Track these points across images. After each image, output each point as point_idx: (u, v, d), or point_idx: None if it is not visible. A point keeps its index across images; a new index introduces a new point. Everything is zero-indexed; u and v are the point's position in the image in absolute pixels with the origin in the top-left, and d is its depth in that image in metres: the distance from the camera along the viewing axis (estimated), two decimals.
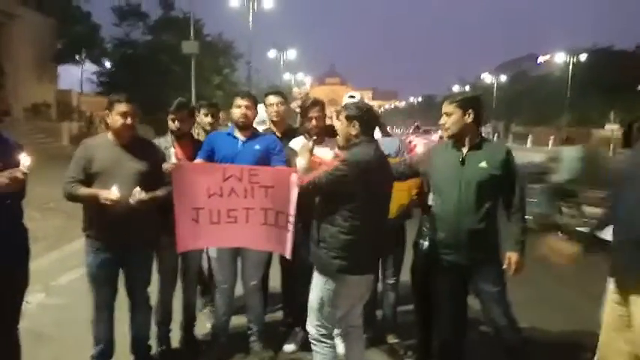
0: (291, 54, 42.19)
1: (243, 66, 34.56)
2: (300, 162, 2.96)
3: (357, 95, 4.22)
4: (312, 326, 2.92)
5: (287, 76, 47.98)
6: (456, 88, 64.96)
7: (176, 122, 3.54)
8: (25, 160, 2.41)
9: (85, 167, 3.00)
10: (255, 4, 25.15)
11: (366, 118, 2.83)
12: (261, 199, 3.22)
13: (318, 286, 2.87)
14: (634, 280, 2.30)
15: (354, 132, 2.82)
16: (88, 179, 2.99)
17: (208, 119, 3.98)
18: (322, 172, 2.74)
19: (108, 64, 30.09)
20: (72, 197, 3.01)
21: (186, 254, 3.48)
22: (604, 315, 2.56)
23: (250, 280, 3.56)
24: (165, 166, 3.16)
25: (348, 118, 2.83)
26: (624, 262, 2.34)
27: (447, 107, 2.95)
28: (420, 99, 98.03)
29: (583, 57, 38.12)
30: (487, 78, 55.59)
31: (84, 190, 2.96)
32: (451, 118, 2.92)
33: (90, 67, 30.02)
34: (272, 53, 41.27)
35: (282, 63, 42.69)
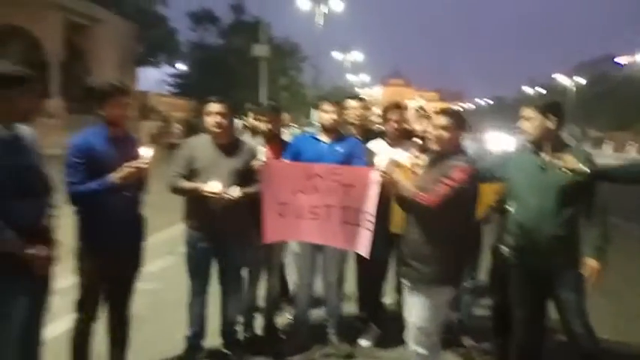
0: (356, 55, 42.31)
1: (309, 68, 35.12)
2: (404, 184, 2.87)
3: (422, 101, 4.31)
4: (419, 345, 2.89)
5: (351, 78, 48.14)
6: (527, 90, 62.67)
7: (264, 125, 3.78)
8: (146, 152, 2.78)
9: (187, 164, 3.31)
10: (324, 6, 25.45)
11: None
12: (342, 197, 3.34)
13: (422, 304, 2.83)
14: None
15: (456, 137, 2.87)
16: (190, 175, 3.29)
17: (264, 125, 3.86)
18: (447, 185, 2.67)
19: (183, 67, 31.58)
20: (176, 189, 3.32)
21: (271, 248, 3.70)
22: None
23: (329, 276, 3.74)
24: (255, 163, 3.40)
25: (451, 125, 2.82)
26: None
27: (527, 111, 2.96)
28: (488, 100, 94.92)
29: None
30: (561, 79, 52.87)
31: (187, 184, 3.26)
32: (531, 122, 2.93)
33: (167, 69, 31.63)
34: (337, 55, 41.58)
35: (346, 64, 42.89)
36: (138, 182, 2.92)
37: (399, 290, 3.85)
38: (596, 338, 2.89)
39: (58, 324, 3.26)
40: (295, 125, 23.21)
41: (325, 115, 3.65)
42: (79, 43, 24.13)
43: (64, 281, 2.96)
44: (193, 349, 3.46)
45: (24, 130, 2.40)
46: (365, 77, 54.07)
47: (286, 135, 5.01)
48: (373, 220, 3.25)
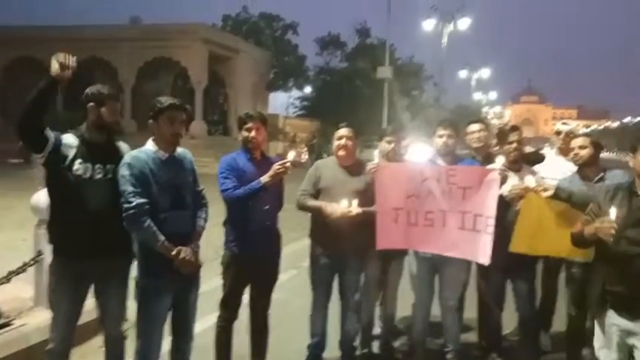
0: (484, 72, 40.77)
1: (432, 87, 34.71)
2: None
3: (571, 122, 4.10)
4: None
5: (478, 96, 46.43)
6: None
7: (392, 144, 3.89)
8: (290, 155, 3.18)
9: (315, 183, 3.58)
10: (449, 25, 25.07)
11: None
12: (459, 200, 3.30)
13: None
14: None
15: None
16: (317, 194, 3.55)
17: (389, 146, 3.88)
18: None
19: (309, 90, 33.20)
20: (303, 207, 3.58)
21: (389, 267, 3.80)
22: None
23: (448, 300, 3.66)
24: (369, 165, 3.51)
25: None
26: None
27: None
28: (638, 119, 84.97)
29: None
30: None
31: (313, 202, 3.52)
32: None
33: (294, 93, 33.51)
34: (463, 73, 40.48)
35: (473, 82, 41.53)
36: (276, 198, 3.31)
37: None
38: None
39: (205, 320, 3.64)
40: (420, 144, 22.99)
41: (440, 140, 3.65)
42: (220, 72, 26.64)
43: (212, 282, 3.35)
44: (314, 358, 3.66)
45: (182, 151, 2.89)
46: (493, 95, 51.79)
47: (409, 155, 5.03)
48: (493, 224, 3.19)
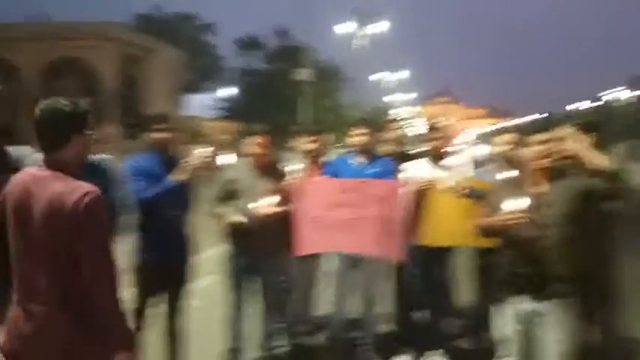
0: (402, 74, 42.33)
1: (352, 88, 35.49)
2: None
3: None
4: None
5: (397, 96, 48.09)
6: (581, 105, 60.49)
7: (309, 145, 3.96)
8: (199, 151, 3.11)
9: (229, 186, 3.52)
10: (368, 28, 25.79)
11: None
12: (376, 207, 3.46)
13: None
14: None
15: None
16: (230, 197, 3.49)
17: (309, 145, 3.98)
18: None
19: (230, 92, 32.72)
20: (215, 215, 3.53)
21: (308, 264, 3.84)
22: None
23: (365, 293, 3.79)
24: (286, 183, 3.52)
25: None
26: None
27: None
28: (538, 116, 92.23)
29: None
30: (616, 94, 50.81)
31: (221, 211, 3.47)
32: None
33: (215, 94, 32.85)
34: (381, 74, 41.77)
35: (391, 83, 42.97)
36: (184, 202, 3.22)
37: None
38: None
39: None
40: (339, 145, 23.42)
41: (356, 138, 3.79)
42: (133, 73, 25.53)
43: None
44: None
45: (101, 158, 2.73)
46: (412, 95, 53.79)
47: (331, 155, 5.13)
48: (405, 229, 3.38)
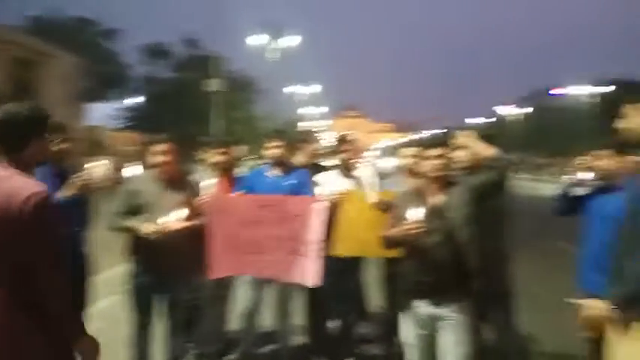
0: (313, 88, 43.04)
1: (265, 100, 35.50)
2: None
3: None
4: None
5: (308, 110, 48.84)
6: (475, 121, 65.35)
7: (218, 157, 3.83)
8: (92, 166, 2.93)
9: (132, 199, 3.31)
10: (279, 41, 25.98)
11: None
12: (290, 227, 3.41)
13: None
14: None
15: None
16: (133, 211, 3.28)
17: (218, 158, 3.89)
18: None
19: (134, 101, 31.29)
20: (118, 228, 3.30)
21: (222, 283, 3.71)
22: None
23: (279, 310, 3.75)
24: (198, 200, 3.37)
25: None
26: None
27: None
28: (440, 131, 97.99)
29: (604, 89, 38.04)
30: (508, 110, 55.68)
31: (127, 223, 3.25)
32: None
33: (117, 104, 31.23)
34: (293, 88, 42.20)
35: (302, 97, 43.56)
36: (81, 218, 3.00)
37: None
38: None
39: None
40: (252, 157, 23.24)
41: (271, 150, 3.76)
42: (26, 79, 23.53)
43: None
44: None
45: None
46: (324, 109, 54.81)
47: (243, 168, 5.09)
48: (321, 248, 3.35)
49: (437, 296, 2.81)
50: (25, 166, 1.94)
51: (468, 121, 67.67)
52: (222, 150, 3.88)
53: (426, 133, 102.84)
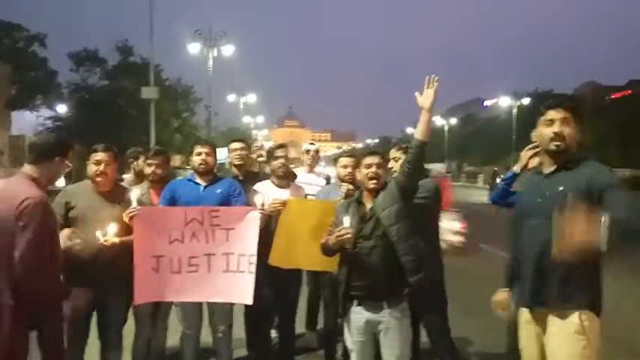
0: (250, 98, 42.87)
1: (203, 109, 34.91)
2: None
3: (316, 143, 4.65)
4: None
5: (247, 119, 48.57)
6: (409, 130, 67.62)
7: (152, 168, 3.74)
8: None
9: (66, 211, 3.21)
10: (215, 50, 25.68)
11: None
12: (223, 242, 3.30)
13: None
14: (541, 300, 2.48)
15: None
16: (68, 224, 3.16)
17: (151, 169, 3.78)
18: None
19: (63, 109, 29.77)
20: None
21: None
22: (520, 339, 2.64)
23: (219, 325, 3.66)
24: (125, 213, 3.21)
25: None
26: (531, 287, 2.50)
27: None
28: (376, 140, 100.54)
29: (526, 100, 40.57)
30: (438, 120, 58.12)
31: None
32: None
33: (45, 112, 29.58)
34: (231, 97, 41.84)
35: (241, 106, 43.25)
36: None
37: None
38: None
39: None
40: (189, 167, 22.76)
41: (197, 157, 3.65)
42: None
43: None
44: None
45: None
46: (260, 119, 54.69)
47: (180, 177, 5.01)
48: (255, 262, 3.29)
49: (373, 301, 2.92)
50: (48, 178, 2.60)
51: (406, 130, 69.97)
52: (158, 160, 3.79)
53: (363, 143, 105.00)
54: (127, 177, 4.49)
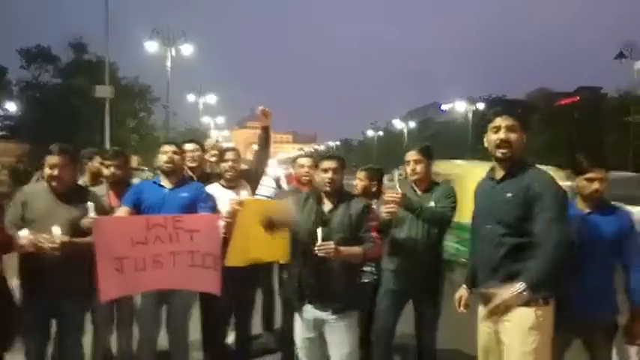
0: (210, 98, 42.27)
1: (161, 110, 34.24)
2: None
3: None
4: None
5: (206, 120, 47.82)
6: (370, 133, 68.59)
7: (111, 169, 3.65)
8: None
9: (21, 214, 3.12)
10: (173, 49, 25.22)
11: None
12: (187, 242, 3.31)
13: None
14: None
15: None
16: (24, 227, 3.04)
17: (110, 170, 3.73)
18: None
19: (13, 108, 28.56)
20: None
21: (120, 303, 3.57)
22: (478, 335, 2.82)
23: (175, 329, 3.63)
24: (84, 221, 3.14)
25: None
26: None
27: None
28: (337, 143, 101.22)
29: (480, 105, 41.84)
30: (397, 124, 59.18)
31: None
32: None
33: None
34: (191, 97, 41.16)
35: (200, 107, 42.62)
36: None
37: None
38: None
39: None
40: (146, 168, 22.24)
41: (164, 156, 3.57)
42: None
43: None
44: None
45: None
46: (221, 120, 53.92)
47: (137, 178, 4.91)
48: (220, 262, 3.33)
49: (322, 299, 2.98)
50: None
51: (367, 133, 70.82)
52: (117, 161, 3.72)
53: (324, 145, 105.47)
54: (82, 179, 4.36)
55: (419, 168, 3.54)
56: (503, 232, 2.58)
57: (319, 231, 2.79)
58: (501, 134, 2.63)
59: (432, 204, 3.43)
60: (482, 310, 2.70)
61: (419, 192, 3.54)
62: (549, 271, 2.41)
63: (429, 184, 3.58)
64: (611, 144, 28.63)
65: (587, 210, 2.89)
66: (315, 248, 2.77)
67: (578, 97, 41.65)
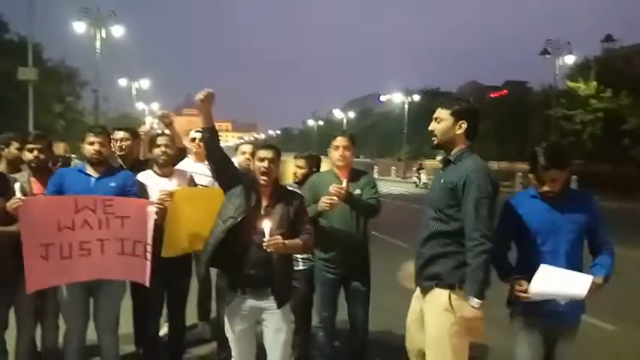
0: (144, 83, 40.71)
1: (90, 94, 32.60)
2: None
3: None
4: None
5: (140, 106, 46.05)
6: (310, 123, 68.87)
7: (34, 152, 3.46)
8: None
9: None
10: (103, 31, 24.01)
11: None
12: (117, 229, 3.21)
13: None
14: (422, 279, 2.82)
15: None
16: None
17: (32, 155, 3.52)
18: None
19: None
20: None
21: (44, 294, 3.42)
22: (409, 313, 2.99)
23: (105, 322, 3.48)
24: (9, 203, 3.01)
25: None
26: (417, 268, 2.87)
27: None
28: (278, 132, 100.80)
29: (416, 97, 43.11)
30: (337, 114, 59.79)
31: None
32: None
33: None
34: (123, 82, 39.42)
35: (134, 92, 40.95)
36: None
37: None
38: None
39: None
40: (74, 155, 21.13)
41: (89, 146, 3.41)
42: None
43: None
44: None
45: None
46: (155, 105, 52.07)
47: (65, 165, 4.61)
48: (150, 249, 3.24)
49: (257, 288, 2.97)
50: None
51: (307, 122, 70.96)
52: (40, 144, 3.50)
53: (265, 134, 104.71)
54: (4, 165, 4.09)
55: (347, 154, 3.59)
56: (432, 216, 2.77)
57: (266, 226, 2.80)
58: (431, 125, 2.83)
59: (358, 191, 3.55)
60: (416, 290, 2.92)
61: (343, 179, 3.49)
62: (478, 264, 2.57)
63: (352, 172, 3.65)
64: (534, 136, 30.36)
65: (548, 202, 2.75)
66: (264, 243, 2.78)
67: (506, 91, 43.89)
